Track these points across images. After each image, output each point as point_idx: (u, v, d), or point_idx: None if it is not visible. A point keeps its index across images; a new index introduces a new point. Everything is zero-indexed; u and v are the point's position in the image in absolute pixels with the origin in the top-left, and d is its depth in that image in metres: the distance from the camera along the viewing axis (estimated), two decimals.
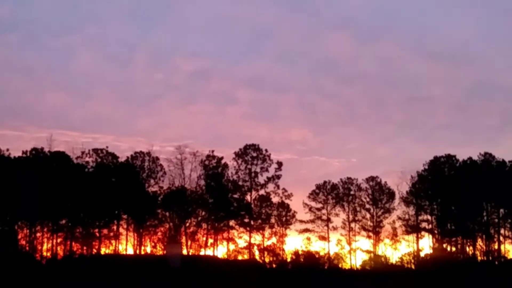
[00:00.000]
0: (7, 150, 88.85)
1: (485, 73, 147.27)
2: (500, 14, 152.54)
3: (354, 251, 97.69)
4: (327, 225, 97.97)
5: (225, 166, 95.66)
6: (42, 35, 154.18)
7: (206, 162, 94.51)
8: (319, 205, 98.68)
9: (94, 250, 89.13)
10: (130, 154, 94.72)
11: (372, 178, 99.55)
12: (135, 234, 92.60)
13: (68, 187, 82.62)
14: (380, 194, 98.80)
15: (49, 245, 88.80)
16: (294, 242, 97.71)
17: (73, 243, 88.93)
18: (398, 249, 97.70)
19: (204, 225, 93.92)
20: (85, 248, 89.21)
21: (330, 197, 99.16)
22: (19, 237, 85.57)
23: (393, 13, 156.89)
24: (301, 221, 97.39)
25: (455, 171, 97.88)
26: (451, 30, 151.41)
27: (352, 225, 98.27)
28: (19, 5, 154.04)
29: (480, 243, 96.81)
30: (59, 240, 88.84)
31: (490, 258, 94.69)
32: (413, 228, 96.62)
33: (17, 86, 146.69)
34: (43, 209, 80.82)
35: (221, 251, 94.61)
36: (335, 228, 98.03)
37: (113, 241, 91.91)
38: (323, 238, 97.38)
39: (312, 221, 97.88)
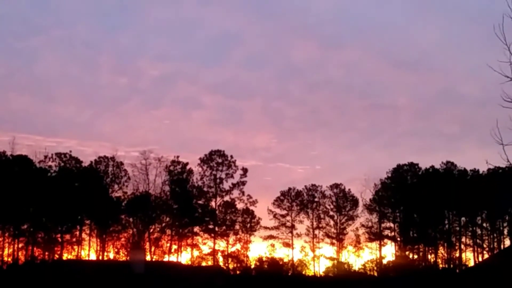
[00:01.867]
0: None
1: (448, 81, 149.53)
2: (463, 23, 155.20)
3: (318, 258, 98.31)
4: (291, 232, 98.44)
5: (190, 171, 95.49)
6: (6, 37, 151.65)
7: (171, 168, 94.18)
8: (284, 212, 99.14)
9: (56, 256, 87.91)
10: (94, 158, 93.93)
11: (336, 185, 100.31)
12: (98, 240, 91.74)
13: (31, 191, 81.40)
14: (344, 201, 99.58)
15: (10, 250, 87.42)
16: (258, 249, 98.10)
17: (35, 248, 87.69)
18: (361, 256, 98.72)
19: (168, 231, 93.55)
20: (47, 253, 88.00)
21: (294, 204, 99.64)
22: None
23: (359, 21, 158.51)
24: (266, 228, 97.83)
25: (417, 179, 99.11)
26: (415, 39, 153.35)
27: (316, 232, 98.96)
28: None
29: (441, 251, 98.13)
30: (20, 245, 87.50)
31: (451, 266, 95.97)
32: (376, 236, 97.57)
33: None
34: (5, 213, 79.63)
35: (185, 257, 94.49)
36: (299, 235, 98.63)
37: (75, 247, 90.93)
38: (287, 244, 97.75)
39: (276, 228, 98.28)
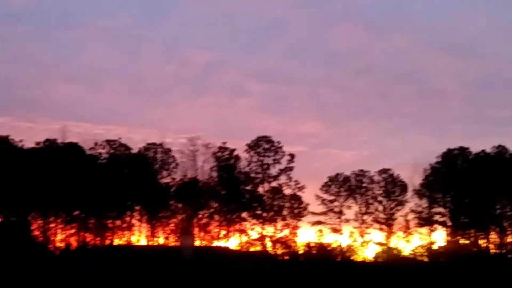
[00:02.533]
0: (20, 141, 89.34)
1: (497, 65, 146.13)
2: (508, 8, 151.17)
3: (367, 244, 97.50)
4: (340, 218, 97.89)
5: (237, 158, 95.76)
6: (54, 27, 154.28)
7: (218, 154, 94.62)
8: (332, 198, 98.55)
9: (107, 241, 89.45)
10: (142, 145, 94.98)
11: (384, 171, 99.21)
12: (148, 226, 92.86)
13: (81, 178, 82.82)
14: (393, 186, 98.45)
15: (63, 236, 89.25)
16: (306, 234, 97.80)
17: (86, 234, 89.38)
18: (411, 242, 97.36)
19: (217, 217, 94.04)
20: (98, 239, 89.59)
21: (342, 190, 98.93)
22: (33, 227, 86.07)
23: (404, 5, 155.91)
24: (314, 213, 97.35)
25: (468, 163, 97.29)
26: (462, 23, 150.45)
27: (365, 217, 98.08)
28: None
29: (493, 236, 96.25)
30: (72, 231, 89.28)
31: (504, 251, 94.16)
32: (426, 221, 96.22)
33: (29, 78, 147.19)
34: (56, 200, 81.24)
35: (233, 242, 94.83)
36: (347, 221, 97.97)
37: (126, 232, 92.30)
38: (335, 230, 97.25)
39: (324, 214, 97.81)
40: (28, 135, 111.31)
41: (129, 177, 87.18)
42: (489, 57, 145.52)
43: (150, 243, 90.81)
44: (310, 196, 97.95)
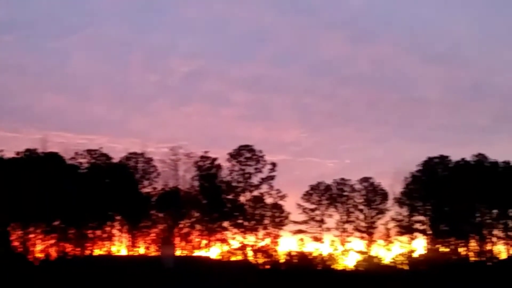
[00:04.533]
0: (1, 151, 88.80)
1: (480, 74, 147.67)
2: (495, 15, 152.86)
3: (348, 252, 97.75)
4: (321, 226, 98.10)
5: (219, 167, 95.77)
6: (38, 36, 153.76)
7: (200, 163, 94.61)
8: (313, 206, 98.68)
9: (87, 252, 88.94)
10: (124, 155, 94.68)
11: (365, 179, 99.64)
12: (129, 235, 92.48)
13: (61, 188, 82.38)
14: (374, 195, 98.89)
15: (42, 246, 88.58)
16: (287, 243, 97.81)
17: (66, 245, 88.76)
18: (391, 250, 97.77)
19: (198, 226, 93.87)
20: (78, 249, 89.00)
21: (323, 198, 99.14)
22: (12, 238, 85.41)
23: (389, 15, 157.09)
24: (295, 222, 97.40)
25: (448, 171, 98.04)
26: (446, 32, 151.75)
27: (346, 226, 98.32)
28: (16, 6, 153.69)
29: (473, 244, 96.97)
30: (52, 241, 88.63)
31: (483, 259, 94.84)
32: (406, 229, 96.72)
33: (13, 87, 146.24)
34: (36, 211, 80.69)
35: (214, 252, 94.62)
36: (328, 229, 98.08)
37: (106, 242, 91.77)
38: (316, 239, 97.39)
39: (305, 222, 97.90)
40: (11, 145, 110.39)
41: (109, 186, 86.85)
42: (471, 66, 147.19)
43: (131, 253, 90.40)
44: (291, 205, 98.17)
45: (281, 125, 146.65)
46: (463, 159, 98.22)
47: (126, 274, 64.98)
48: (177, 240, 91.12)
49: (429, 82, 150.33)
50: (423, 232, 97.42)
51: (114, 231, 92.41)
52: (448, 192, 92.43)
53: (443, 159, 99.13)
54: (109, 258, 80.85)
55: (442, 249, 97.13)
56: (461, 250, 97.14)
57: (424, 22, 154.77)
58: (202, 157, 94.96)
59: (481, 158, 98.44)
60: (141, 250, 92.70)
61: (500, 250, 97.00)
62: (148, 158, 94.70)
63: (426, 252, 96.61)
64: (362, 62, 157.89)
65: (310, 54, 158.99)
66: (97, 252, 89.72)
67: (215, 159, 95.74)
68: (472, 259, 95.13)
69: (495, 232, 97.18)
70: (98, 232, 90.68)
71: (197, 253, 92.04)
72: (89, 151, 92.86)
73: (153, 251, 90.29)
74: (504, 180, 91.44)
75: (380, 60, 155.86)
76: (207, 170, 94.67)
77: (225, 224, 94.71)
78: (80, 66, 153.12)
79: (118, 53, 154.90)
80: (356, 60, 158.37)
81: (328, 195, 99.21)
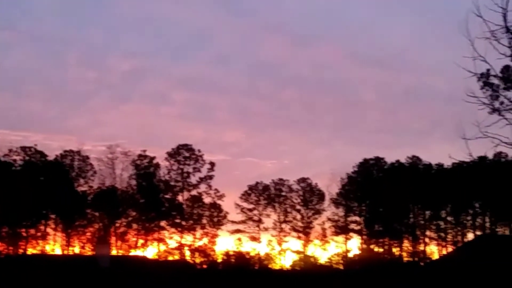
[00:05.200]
0: None
1: (416, 78, 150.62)
2: (432, 21, 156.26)
3: (284, 252, 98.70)
4: (258, 226, 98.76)
5: (157, 166, 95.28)
6: None
7: (138, 162, 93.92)
8: (251, 206, 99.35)
9: (21, 251, 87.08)
10: (59, 152, 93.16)
11: (303, 180, 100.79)
12: (63, 234, 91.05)
13: None
14: (311, 195, 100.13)
15: None
16: (225, 243, 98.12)
17: None
18: (327, 250, 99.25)
19: (135, 226, 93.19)
20: (11, 248, 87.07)
21: (261, 198, 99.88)
22: None
23: (329, 18, 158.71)
24: (233, 222, 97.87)
25: (383, 173, 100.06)
26: (384, 36, 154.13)
27: (283, 226, 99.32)
28: None
29: (406, 244, 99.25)
30: None
31: (416, 259, 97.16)
32: (342, 229, 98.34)
33: None
34: None
35: (151, 251, 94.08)
36: (266, 229, 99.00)
37: (40, 241, 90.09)
38: (254, 238, 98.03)
39: (243, 222, 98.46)
40: None
41: (44, 184, 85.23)
42: (409, 70, 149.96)
43: (65, 252, 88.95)
44: (230, 204, 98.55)
45: (220, 125, 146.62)
46: (397, 161, 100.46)
47: (60, 274, 63.83)
48: (113, 240, 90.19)
49: (367, 85, 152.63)
50: (358, 232, 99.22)
51: (49, 230, 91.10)
52: (383, 193, 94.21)
53: (379, 161, 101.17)
54: (43, 258, 79.18)
55: (377, 249, 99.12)
56: (395, 250, 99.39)
57: (364, 26, 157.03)
58: (140, 155, 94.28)
59: (415, 161, 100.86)
60: (76, 249, 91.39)
61: (433, 250, 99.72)
62: (85, 156, 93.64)
63: (360, 252, 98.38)
64: (302, 65, 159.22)
65: (250, 55, 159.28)
66: (30, 251, 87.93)
67: (153, 158, 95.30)
68: (406, 259, 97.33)
69: (428, 233, 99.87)
70: (32, 231, 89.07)
71: (133, 252, 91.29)
72: (23, 148, 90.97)
73: (88, 251, 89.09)
74: (437, 182, 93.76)
75: (319, 63, 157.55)
76: (145, 169, 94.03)
77: (163, 223, 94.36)
78: (15, 62, 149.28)
79: (55, 50, 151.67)
80: (295, 62, 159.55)
81: (266, 195, 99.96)
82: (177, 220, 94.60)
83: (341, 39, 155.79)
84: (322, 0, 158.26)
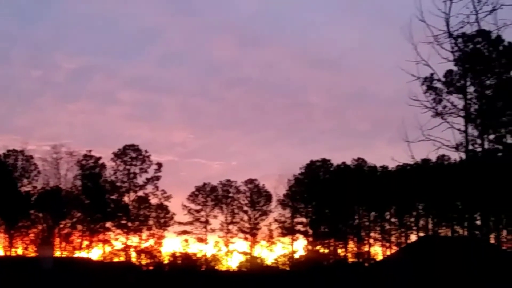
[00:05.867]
0: None
1: (362, 80, 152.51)
2: (378, 25, 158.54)
3: (231, 253, 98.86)
4: (205, 227, 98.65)
5: (103, 166, 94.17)
6: None
7: (83, 162, 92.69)
8: (198, 207, 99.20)
9: None
10: (2, 152, 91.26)
11: (250, 181, 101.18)
12: (6, 235, 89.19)
13: None
14: (258, 196, 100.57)
15: None
16: (172, 244, 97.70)
17: None
18: (273, 251, 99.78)
19: (80, 227, 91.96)
20: None
21: (209, 199, 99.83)
22: None
23: (278, 19, 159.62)
24: (180, 223, 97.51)
25: (329, 175, 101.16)
26: (331, 39, 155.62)
27: (230, 227, 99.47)
28: None
29: (351, 245, 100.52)
30: None
31: (360, 260, 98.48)
32: (289, 230, 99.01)
33: None
34: None
35: (96, 253, 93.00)
36: (213, 230, 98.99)
37: None
38: (201, 240, 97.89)
39: (190, 223, 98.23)
40: None
41: None
42: (355, 73, 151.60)
43: (8, 253, 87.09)
44: (177, 205, 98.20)
45: (168, 126, 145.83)
46: (343, 163, 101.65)
47: (1, 276, 62.49)
48: (57, 241, 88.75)
49: (315, 87, 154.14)
50: (304, 233, 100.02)
51: None
52: (329, 194, 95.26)
53: (325, 162, 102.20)
54: None
55: (322, 250, 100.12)
56: (340, 251, 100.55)
57: (311, 28, 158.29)
58: (85, 156, 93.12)
59: (360, 163, 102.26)
60: (19, 250, 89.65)
61: (377, 251, 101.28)
62: (28, 156, 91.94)
63: (306, 253, 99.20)
64: (251, 66, 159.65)
65: (199, 56, 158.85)
66: None
67: (99, 158, 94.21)
68: (350, 260, 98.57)
69: (373, 234, 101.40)
70: None
71: (78, 254, 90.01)
72: None
73: (31, 252, 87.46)
74: (382, 184, 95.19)
75: (268, 64, 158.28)
76: (90, 169, 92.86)
77: (108, 224, 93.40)
78: None
79: (1, 46, 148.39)
80: (244, 63, 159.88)
81: (213, 197, 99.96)
82: (123, 221, 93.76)
83: (289, 40, 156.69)
84: (271, 1, 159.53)
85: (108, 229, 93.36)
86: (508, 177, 46.14)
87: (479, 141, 59.65)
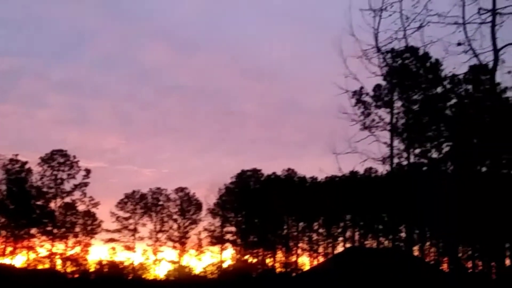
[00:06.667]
0: None
1: (294, 91, 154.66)
2: (311, 36, 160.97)
3: (159, 262, 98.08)
4: (134, 235, 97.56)
5: (29, 171, 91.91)
6: None
7: (9, 166, 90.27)
8: (127, 215, 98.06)
9: None
10: None
11: (181, 189, 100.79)
12: None
13: None
14: (188, 205, 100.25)
15: None
16: (98, 252, 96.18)
17: None
18: (202, 260, 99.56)
19: (3, 232, 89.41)
20: None
21: (138, 207, 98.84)
22: None
23: (213, 27, 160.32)
24: (107, 231, 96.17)
25: (260, 184, 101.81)
26: (265, 49, 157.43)
27: (159, 235, 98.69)
28: None
29: (279, 255, 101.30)
30: None
31: (288, 269, 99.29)
32: (218, 239, 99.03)
33: None
34: None
35: (20, 260, 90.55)
36: (141, 238, 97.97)
37: None
38: (128, 248, 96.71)
39: (118, 231, 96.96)
40: None
41: None
42: (287, 83, 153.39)
43: None
44: (105, 213, 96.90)
45: (98, 131, 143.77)
46: (274, 173, 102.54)
47: None
48: None
49: (248, 96, 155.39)
50: (233, 242, 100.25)
51: None
52: (258, 204, 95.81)
53: (256, 172, 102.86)
54: None
55: (251, 259, 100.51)
56: (268, 261, 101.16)
57: (245, 37, 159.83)
58: (11, 160, 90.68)
59: (290, 173, 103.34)
60: None
61: (304, 261, 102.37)
62: None
63: (235, 262, 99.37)
64: (183, 73, 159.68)
65: (131, 61, 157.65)
66: None
67: (25, 163, 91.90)
68: (278, 270, 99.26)
69: (301, 244, 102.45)
70: None
71: (0, 260, 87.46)
72: None
73: None
74: (311, 195, 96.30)
75: (200, 71, 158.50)
76: (16, 174, 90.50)
77: (33, 231, 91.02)
78: None
79: None
80: (177, 70, 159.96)
81: (142, 204, 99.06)
82: (49, 228, 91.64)
83: (222, 48, 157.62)
84: (205, 9, 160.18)
85: (33, 236, 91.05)
86: (432, 191, 47.53)
87: (405, 154, 61.46)
